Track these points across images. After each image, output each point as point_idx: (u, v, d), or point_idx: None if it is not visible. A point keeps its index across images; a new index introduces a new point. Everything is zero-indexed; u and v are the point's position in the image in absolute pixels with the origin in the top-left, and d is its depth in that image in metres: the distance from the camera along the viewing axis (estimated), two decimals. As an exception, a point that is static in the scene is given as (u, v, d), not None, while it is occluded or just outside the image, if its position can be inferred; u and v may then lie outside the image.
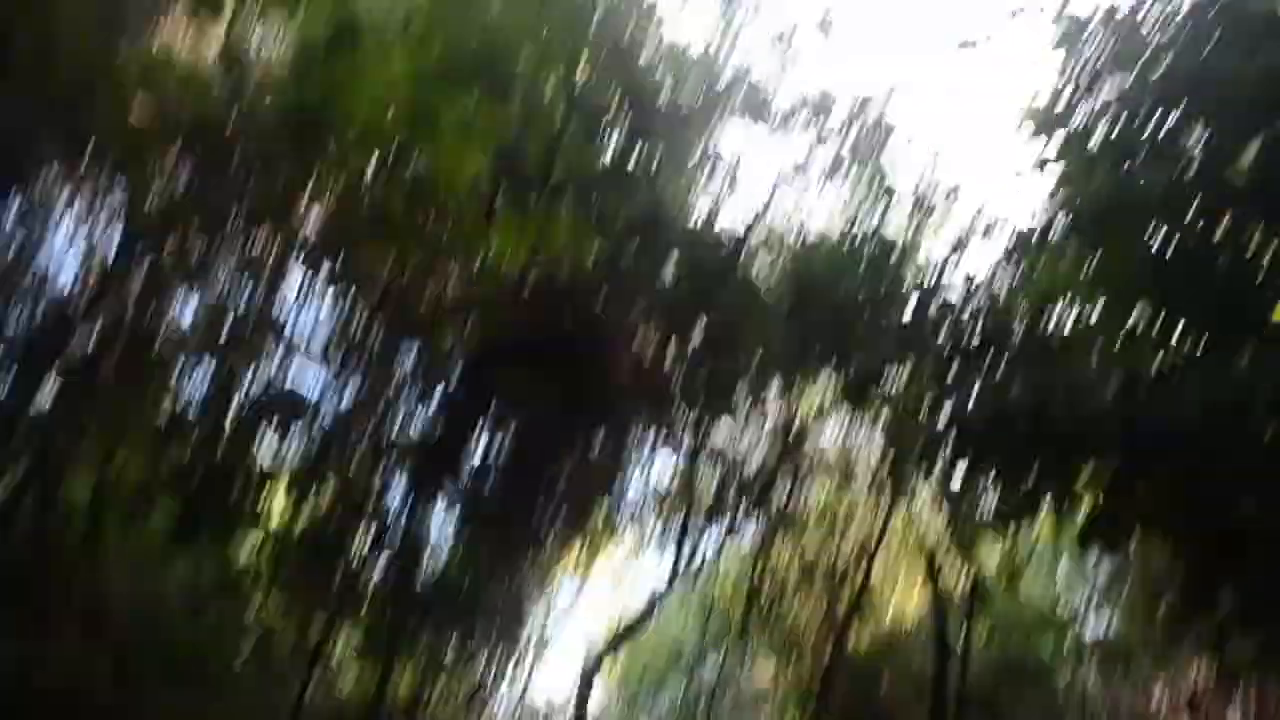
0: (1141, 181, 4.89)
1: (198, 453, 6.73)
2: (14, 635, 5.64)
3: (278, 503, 7.12)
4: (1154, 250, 5.02)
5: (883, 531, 7.03)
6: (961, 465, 5.72)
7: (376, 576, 7.24)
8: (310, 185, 6.30)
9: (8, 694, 4.97)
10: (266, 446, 7.07)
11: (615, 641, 6.16)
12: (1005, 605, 7.36)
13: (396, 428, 7.24)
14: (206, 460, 6.69)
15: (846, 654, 7.16)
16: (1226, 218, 4.63)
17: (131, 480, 6.87)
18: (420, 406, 7.30)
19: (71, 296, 6.64)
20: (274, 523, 7.05)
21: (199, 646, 7.43)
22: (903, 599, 7.71)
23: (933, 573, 6.55)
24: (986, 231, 5.48)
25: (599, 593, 8.62)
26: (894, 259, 6.06)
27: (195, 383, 7.00)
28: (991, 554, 6.96)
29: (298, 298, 7.06)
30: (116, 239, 6.67)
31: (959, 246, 5.67)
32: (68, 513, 6.73)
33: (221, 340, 6.96)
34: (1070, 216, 5.27)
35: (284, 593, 7.27)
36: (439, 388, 7.27)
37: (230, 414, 6.92)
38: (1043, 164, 5.30)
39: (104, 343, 6.55)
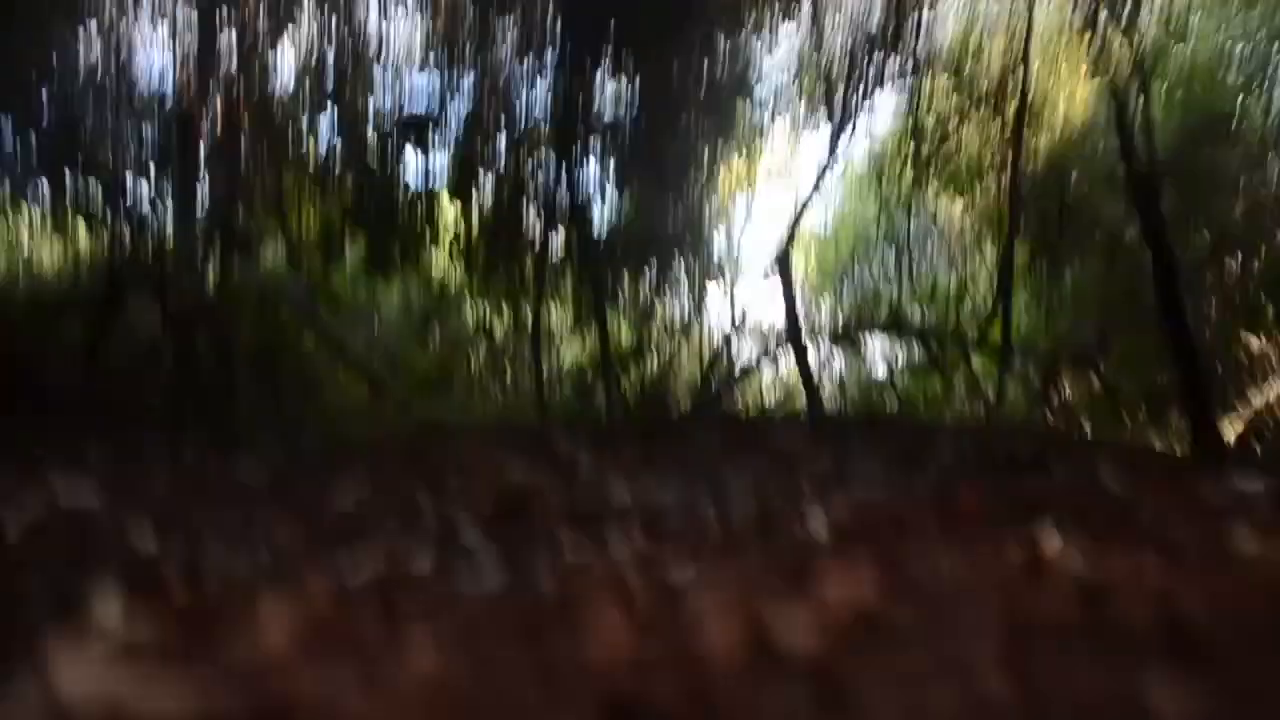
0: None
1: (358, 186, 7.64)
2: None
3: (448, 213, 8.12)
4: None
5: (1029, 30, 7.34)
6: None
7: (558, 253, 8.21)
8: None
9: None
10: (415, 167, 7.89)
11: (795, 224, 6.87)
12: (1180, 66, 7.65)
13: (521, 109, 7.91)
14: (370, 190, 7.61)
15: (1026, 165, 7.74)
16: None
17: (310, 228, 8.00)
18: (535, 79, 7.91)
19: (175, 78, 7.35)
20: (451, 231, 8.07)
21: (431, 359, 8.82)
22: (1071, 97, 8.16)
23: (1097, 56, 6.79)
24: None
25: (770, 199, 9.55)
26: None
27: (323, 126, 7.80)
28: (1154, 21, 7.16)
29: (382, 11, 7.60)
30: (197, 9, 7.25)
31: None
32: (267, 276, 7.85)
33: (331, 79, 7.68)
34: None
35: (483, 292, 8.46)
36: (547, 55, 7.83)
37: (369, 144, 7.70)
38: None
39: (226, 110, 7.32)
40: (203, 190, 7.56)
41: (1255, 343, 7.58)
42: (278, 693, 0.56)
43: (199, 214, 7.45)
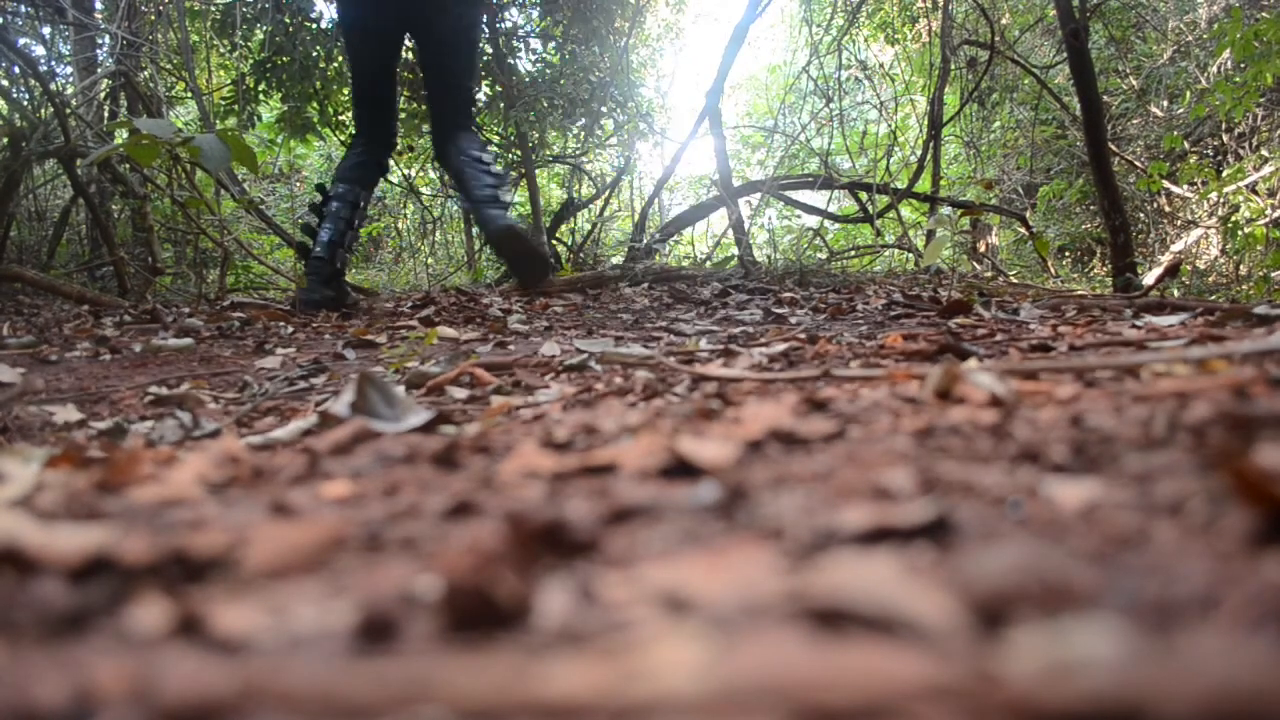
0: None
1: (270, 41, 7.26)
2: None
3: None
4: None
5: None
6: None
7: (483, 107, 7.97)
8: None
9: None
10: (327, 18, 7.51)
11: (725, 74, 6.68)
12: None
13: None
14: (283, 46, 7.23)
15: (956, 9, 7.62)
16: None
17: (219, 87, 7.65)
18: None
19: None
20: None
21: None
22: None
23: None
24: None
25: (699, 48, 9.35)
26: None
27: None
28: None
29: None
30: None
31: None
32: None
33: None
34: None
35: (407, 150, 8.23)
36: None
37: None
38: None
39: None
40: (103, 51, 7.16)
41: (1177, 190, 7.72)
42: (181, 524, 0.55)
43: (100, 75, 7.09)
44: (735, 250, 5.77)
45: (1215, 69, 7.37)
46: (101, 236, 5.96)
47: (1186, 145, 7.91)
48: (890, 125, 7.60)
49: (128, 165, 5.90)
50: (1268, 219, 6.57)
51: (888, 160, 7.09)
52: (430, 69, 4.22)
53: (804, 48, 7.93)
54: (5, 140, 5.41)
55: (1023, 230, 7.39)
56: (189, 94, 7.14)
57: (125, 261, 5.76)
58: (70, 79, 6.92)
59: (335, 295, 3.96)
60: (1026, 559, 0.40)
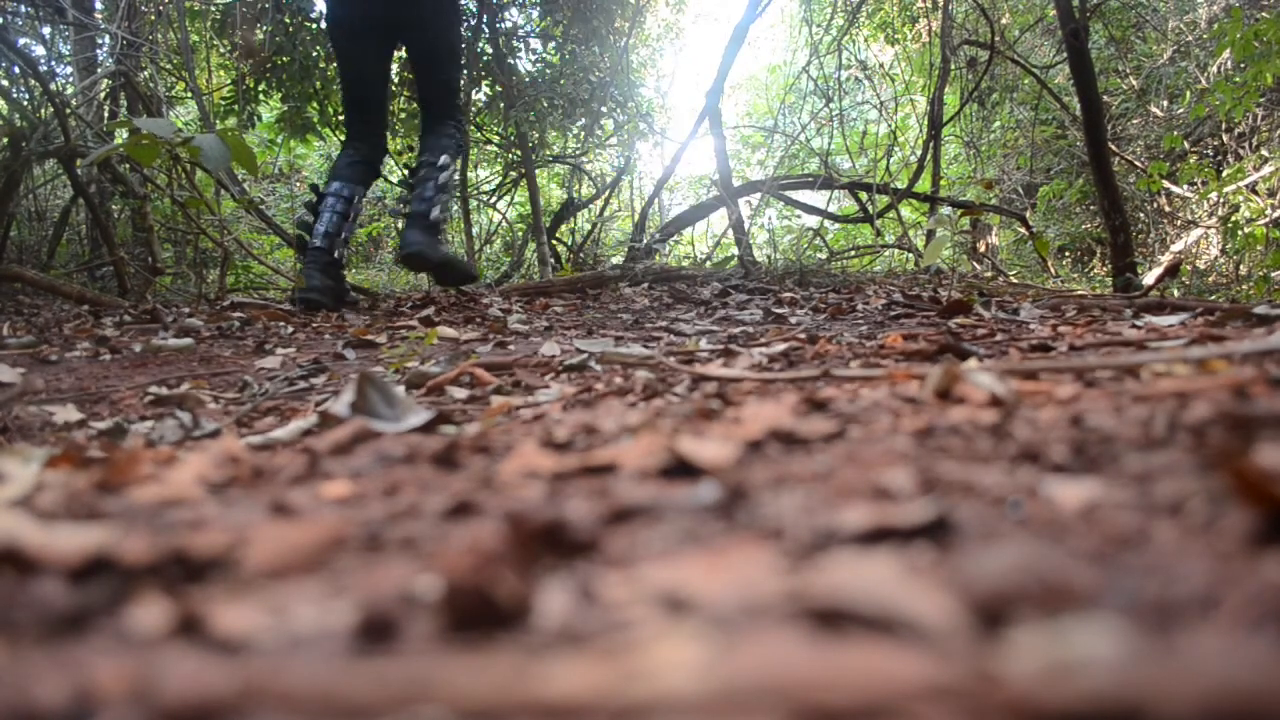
0: None
1: (270, 40, 7.26)
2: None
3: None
4: None
5: None
6: None
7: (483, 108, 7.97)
8: None
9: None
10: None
11: (724, 74, 6.67)
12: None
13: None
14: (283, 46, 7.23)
15: (956, 9, 7.62)
16: None
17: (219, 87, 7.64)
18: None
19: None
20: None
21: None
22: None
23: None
24: None
25: (699, 48, 9.35)
26: None
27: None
28: None
29: None
30: None
31: None
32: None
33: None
34: None
35: (406, 150, 8.23)
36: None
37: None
38: None
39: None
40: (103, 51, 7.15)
41: (1177, 190, 7.72)
42: (181, 524, 0.55)
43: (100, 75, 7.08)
44: (735, 250, 5.78)
45: (1215, 69, 7.36)
46: (101, 236, 5.96)
47: (1186, 145, 7.91)
48: (890, 125, 7.59)
49: (128, 165, 5.90)
50: (1268, 219, 6.56)
51: (888, 160, 7.08)
52: (421, 66, 4.24)
53: (804, 48, 7.92)
54: (5, 140, 5.40)
55: (1023, 230, 7.39)
56: (189, 94, 7.14)
57: (125, 261, 5.76)
58: (70, 79, 6.91)
59: (334, 285, 3.96)
60: (1026, 559, 0.40)
